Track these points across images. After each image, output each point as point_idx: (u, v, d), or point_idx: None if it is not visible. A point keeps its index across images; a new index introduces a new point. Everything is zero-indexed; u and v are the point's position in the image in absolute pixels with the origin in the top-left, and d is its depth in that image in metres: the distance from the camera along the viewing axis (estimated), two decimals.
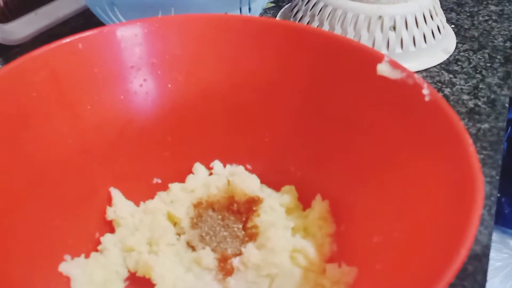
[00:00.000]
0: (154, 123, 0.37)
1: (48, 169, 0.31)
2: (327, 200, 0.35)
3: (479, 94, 0.49)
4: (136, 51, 0.35)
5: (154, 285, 0.31)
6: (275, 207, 0.36)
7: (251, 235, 0.35)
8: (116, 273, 0.32)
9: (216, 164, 0.39)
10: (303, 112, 0.36)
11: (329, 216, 0.35)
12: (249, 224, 0.35)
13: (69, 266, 0.31)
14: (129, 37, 0.34)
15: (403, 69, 0.30)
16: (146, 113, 0.37)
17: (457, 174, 0.24)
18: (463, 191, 0.23)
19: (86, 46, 0.32)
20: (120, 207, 0.35)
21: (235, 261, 0.33)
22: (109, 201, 0.35)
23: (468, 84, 0.50)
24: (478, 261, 0.34)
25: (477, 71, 0.52)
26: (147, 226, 0.35)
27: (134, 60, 0.35)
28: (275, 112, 0.37)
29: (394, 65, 0.30)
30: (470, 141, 0.25)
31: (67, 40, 0.32)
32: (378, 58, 0.31)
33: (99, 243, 0.33)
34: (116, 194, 0.35)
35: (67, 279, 0.31)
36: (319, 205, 0.35)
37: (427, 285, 0.21)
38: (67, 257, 0.31)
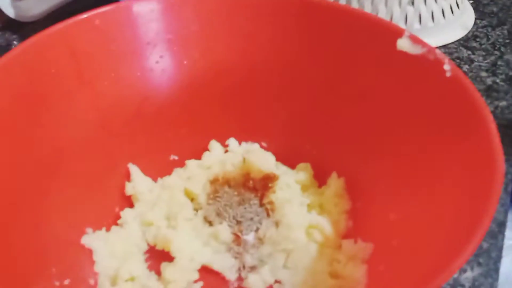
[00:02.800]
0: (170, 100, 0.37)
1: (68, 146, 0.32)
2: (343, 177, 0.35)
3: (498, 71, 0.48)
4: (153, 27, 0.35)
5: (173, 258, 0.32)
6: (290, 184, 0.36)
7: (267, 211, 0.35)
8: (136, 246, 0.33)
9: (232, 142, 0.39)
10: (319, 88, 0.36)
11: (345, 193, 0.35)
12: (264, 201, 0.36)
13: (91, 239, 0.32)
14: (145, 12, 0.34)
15: (423, 44, 0.29)
16: (162, 90, 0.37)
17: (477, 151, 0.24)
18: (483, 168, 0.23)
19: (103, 22, 0.32)
20: (139, 182, 0.35)
21: (251, 237, 0.33)
22: (127, 176, 0.36)
23: (486, 61, 0.49)
24: (494, 238, 0.34)
25: (496, 48, 0.51)
26: (165, 202, 0.35)
27: (150, 36, 0.35)
28: (291, 89, 0.37)
29: (415, 40, 0.30)
30: (491, 118, 0.24)
31: (84, 16, 0.32)
32: (398, 33, 0.30)
33: (119, 217, 0.34)
34: (134, 170, 0.36)
35: (90, 251, 0.31)
36: (334, 182, 0.35)
37: (444, 262, 0.21)
38: (89, 230, 0.32)
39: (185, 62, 0.37)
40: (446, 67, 0.27)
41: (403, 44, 0.30)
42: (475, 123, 0.25)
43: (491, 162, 0.23)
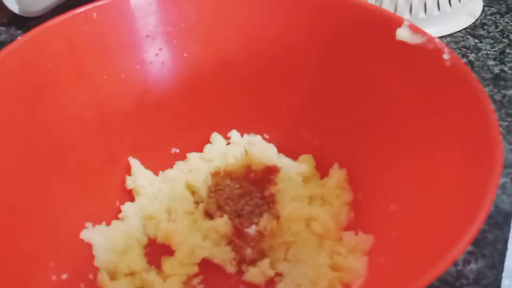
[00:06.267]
0: (171, 93, 0.37)
1: (67, 139, 0.32)
2: (345, 168, 0.35)
3: (506, 59, 0.47)
4: (151, 19, 0.35)
5: (173, 251, 0.32)
6: (292, 176, 0.36)
7: (268, 204, 0.35)
8: (136, 240, 0.33)
9: (234, 134, 0.39)
10: (320, 80, 0.36)
11: (346, 184, 0.34)
12: (266, 193, 0.35)
13: (91, 233, 0.32)
14: (143, 5, 0.34)
15: (423, 33, 0.29)
16: (162, 83, 0.37)
17: (477, 141, 0.23)
18: (482, 158, 0.22)
19: (101, 15, 0.32)
20: (139, 176, 0.35)
21: (252, 230, 0.33)
22: (128, 170, 0.36)
23: (494, 49, 0.48)
24: (499, 230, 0.34)
25: (504, 36, 0.50)
26: (166, 195, 0.35)
27: (149, 29, 0.35)
28: (292, 80, 0.37)
29: (414, 29, 0.29)
30: (491, 107, 0.24)
31: (82, 9, 0.32)
32: (397, 22, 0.30)
33: (119, 211, 0.34)
34: (135, 163, 0.36)
35: (89, 246, 0.31)
36: (336, 174, 0.35)
37: (442, 252, 0.21)
38: (89, 224, 0.32)
39: (185, 55, 0.37)
40: (446, 56, 0.26)
41: (402, 33, 0.29)
42: (475, 113, 0.24)
43: (490, 153, 0.22)
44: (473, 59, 0.47)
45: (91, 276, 0.30)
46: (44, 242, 0.28)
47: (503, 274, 0.32)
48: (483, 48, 0.48)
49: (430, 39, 0.28)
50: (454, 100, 0.26)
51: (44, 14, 0.54)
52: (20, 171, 0.28)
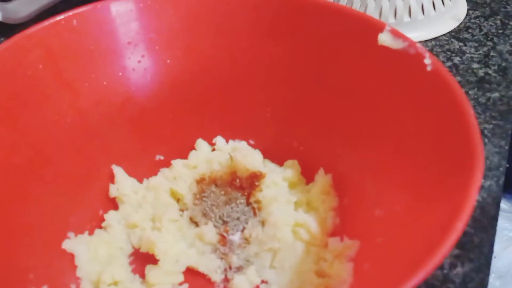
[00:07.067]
0: (154, 99, 0.37)
1: (49, 148, 0.32)
2: (330, 173, 0.35)
3: (490, 62, 0.47)
4: (133, 26, 0.34)
5: (157, 260, 0.32)
6: (277, 182, 0.36)
7: (253, 210, 0.35)
8: (120, 249, 0.33)
9: (219, 140, 0.38)
10: (304, 85, 0.36)
11: (332, 190, 0.34)
12: (251, 199, 0.35)
13: (73, 243, 0.31)
14: (124, 12, 0.34)
15: (404, 38, 0.29)
16: (145, 89, 0.36)
17: (458, 145, 0.23)
18: (463, 162, 0.22)
19: (81, 22, 0.32)
20: (123, 184, 0.35)
21: (237, 237, 0.33)
22: (111, 178, 0.35)
23: (478, 52, 0.48)
24: (485, 233, 0.34)
25: (488, 39, 0.50)
26: (150, 203, 0.35)
27: (130, 35, 0.35)
28: (276, 86, 0.37)
29: (396, 34, 0.29)
30: (471, 111, 0.24)
31: (61, 16, 0.31)
32: (379, 27, 0.30)
33: (103, 220, 0.34)
34: (118, 171, 0.35)
35: (71, 256, 0.31)
36: (322, 179, 0.35)
37: (424, 257, 0.21)
38: (71, 234, 0.32)
39: (168, 61, 0.37)
40: (427, 61, 0.27)
41: (384, 38, 0.29)
42: (456, 117, 0.24)
43: (470, 157, 0.22)
44: (457, 62, 0.47)
45: (73, 287, 0.29)
46: (24, 253, 0.27)
47: (494, 276, 0.32)
48: (468, 51, 0.48)
49: (412, 44, 0.28)
50: (436, 105, 0.26)
51: (28, 21, 0.53)
52: None
